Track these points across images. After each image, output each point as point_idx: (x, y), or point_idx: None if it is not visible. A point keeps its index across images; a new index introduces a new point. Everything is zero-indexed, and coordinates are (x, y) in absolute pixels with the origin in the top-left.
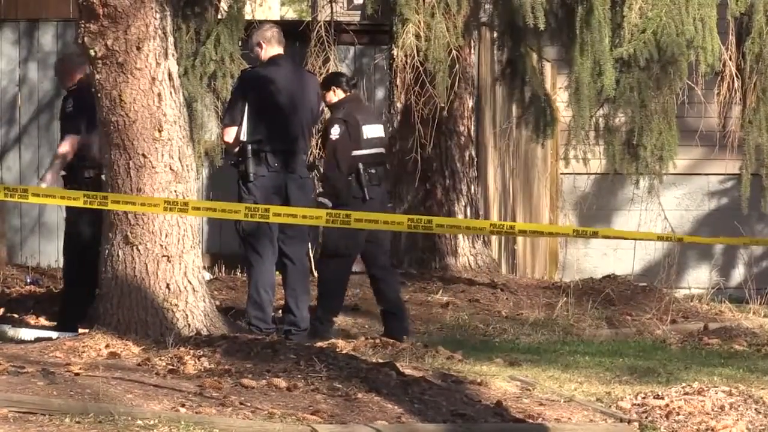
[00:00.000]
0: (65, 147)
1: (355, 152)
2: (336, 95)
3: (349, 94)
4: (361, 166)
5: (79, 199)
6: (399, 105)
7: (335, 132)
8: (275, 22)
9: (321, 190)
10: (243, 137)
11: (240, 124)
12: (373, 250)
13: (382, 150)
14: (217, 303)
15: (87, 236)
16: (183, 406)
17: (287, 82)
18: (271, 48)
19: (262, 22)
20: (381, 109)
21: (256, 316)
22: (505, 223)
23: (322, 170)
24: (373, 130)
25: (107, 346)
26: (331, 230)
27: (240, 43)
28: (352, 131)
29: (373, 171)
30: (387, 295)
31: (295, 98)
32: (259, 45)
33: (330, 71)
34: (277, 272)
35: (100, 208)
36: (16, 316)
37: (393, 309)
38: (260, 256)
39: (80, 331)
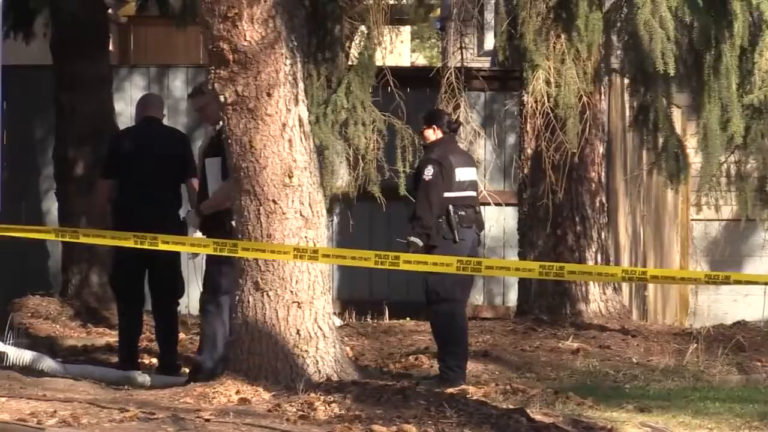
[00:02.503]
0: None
1: (447, 194)
2: (435, 134)
3: (446, 135)
4: (451, 207)
5: (209, 247)
6: (529, 151)
7: (428, 173)
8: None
9: (412, 229)
10: None
11: None
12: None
13: (473, 193)
14: (347, 349)
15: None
16: None
17: None
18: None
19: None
20: (512, 154)
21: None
22: (636, 269)
23: (414, 210)
24: (465, 174)
25: (238, 392)
26: (435, 276)
27: (371, 91)
28: (445, 173)
29: (463, 213)
30: None
31: None
32: None
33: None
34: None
35: (230, 255)
36: (146, 362)
37: None
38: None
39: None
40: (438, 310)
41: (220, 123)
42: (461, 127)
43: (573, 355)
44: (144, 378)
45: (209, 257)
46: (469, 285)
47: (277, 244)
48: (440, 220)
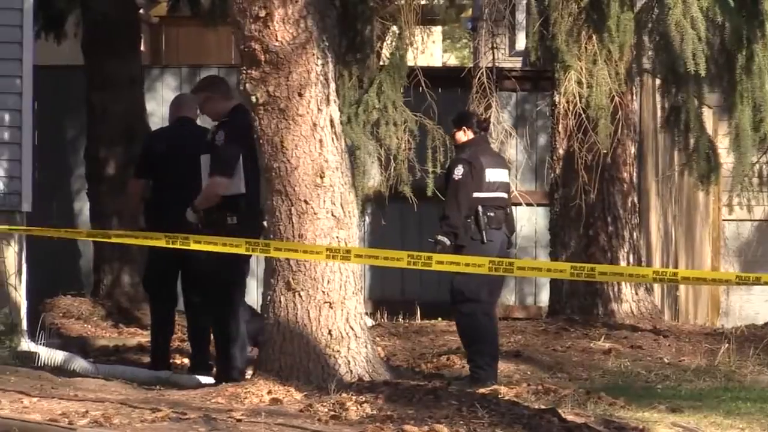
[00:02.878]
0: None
1: (476, 194)
2: (466, 135)
3: (477, 135)
4: (480, 208)
5: (241, 246)
6: (561, 151)
7: (458, 172)
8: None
9: (440, 228)
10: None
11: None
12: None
13: (504, 195)
14: (379, 349)
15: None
16: None
17: None
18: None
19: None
20: (544, 155)
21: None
22: (667, 270)
23: (443, 209)
24: (496, 175)
25: (269, 392)
26: (462, 276)
27: (403, 91)
28: (475, 173)
29: (492, 214)
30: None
31: None
32: None
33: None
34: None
35: (264, 255)
36: (177, 362)
37: None
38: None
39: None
40: (462, 309)
41: (213, 129)
42: (492, 127)
43: (605, 356)
44: (176, 378)
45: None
46: (497, 287)
47: (310, 244)
48: (468, 220)
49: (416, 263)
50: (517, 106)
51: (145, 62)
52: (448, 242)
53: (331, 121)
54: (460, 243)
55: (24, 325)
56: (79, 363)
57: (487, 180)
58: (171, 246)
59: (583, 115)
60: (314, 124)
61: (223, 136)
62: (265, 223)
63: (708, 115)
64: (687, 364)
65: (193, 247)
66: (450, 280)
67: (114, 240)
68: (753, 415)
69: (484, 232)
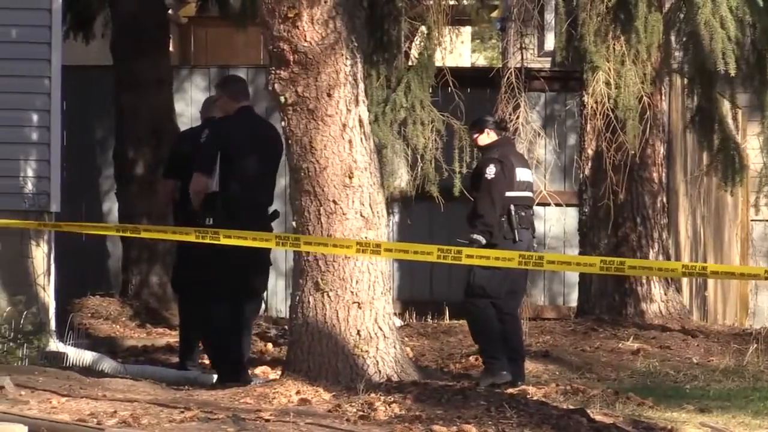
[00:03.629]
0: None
1: (509, 193)
2: (489, 137)
3: (501, 136)
4: (512, 207)
5: (271, 241)
6: (590, 151)
7: (491, 171)
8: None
9: (474, 227)
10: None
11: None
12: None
13: (531, 194)
14: (408, 349)
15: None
16: None
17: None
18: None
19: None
20: (573, 155)
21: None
22: (696, 265)
23: (476, 209)
24: (524, 174)
25: (298, 392)
26: (482, 271)
27: (430, 91)
28: (507, 172)
29: (523, 214)
30: (510, 341)
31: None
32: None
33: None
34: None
35: (294, 249)
36: (206, 362)
37: (513, 354)
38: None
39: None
40: (477, 303)
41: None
42: (521, 127)
43: (633, 356)
44: (205, 378)
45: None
46: (520, 288)
47: (339, 238)
48: (502, 219)
49: (446, 257)
50: (546, 106)
51: (174, 63)
52: (483, 241)
53: (360, 121)
54: (493, 242)
55: (52, 325)
56: (108, 363)
57: (517, 179)
58: (201, 241)
59: (612, 116)
60: (343, 125)
61: (206, 134)
62: (293, 223)
63: (737, 115)
64: (715, 364)
65: (224, 242)
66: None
67: (143, 235)
68: None
69: (516, 231)
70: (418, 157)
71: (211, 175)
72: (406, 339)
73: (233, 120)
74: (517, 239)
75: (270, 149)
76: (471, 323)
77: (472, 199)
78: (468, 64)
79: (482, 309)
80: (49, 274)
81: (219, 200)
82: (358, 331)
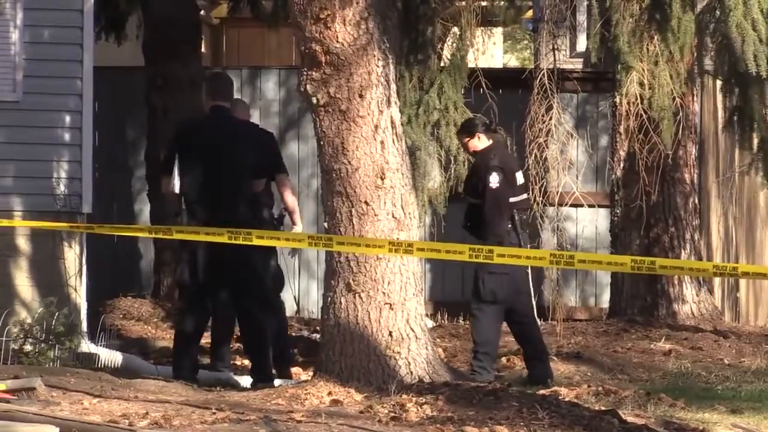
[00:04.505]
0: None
1: (512, 199)
2: (481, 141)
3: (495, 140)
4: (515, 212)
5: (303, 241)
6: (622, 152)
7: (494, 180)
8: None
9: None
10: None
11: None
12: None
13: (527, 196)
14: (440, 350)
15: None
16: None
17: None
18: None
19: None
20: (605, 156)
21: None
22: (727, 265)
23: (484, 219)
24: (521, 177)
25: (329, 393)
26: (490, 277)
27: (463, 92)
28: (509, 179)
29: (524, 217)
30: (533, 342)
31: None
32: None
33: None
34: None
35: (326, 249)
36: (238, 363)
37: (540, 355)
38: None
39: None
40: (485, 309)
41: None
42: (553, 129)
43: (665, 357)
44: (237, 379)
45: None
46: (524, 294)
47: (372, 239)
48: (509, 226)
49: (478, 256)
50: (578, 107)
51: (206, 63)
52: None
53: (392, 122)
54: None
55: (84, 326)
56: (140, 364)
57: (518, 183)
58: (234, 242)
59: (644, 116)
60: (375, 126)
61: (172, 134)
62: (326, 224)
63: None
64: (747, 365)
65: (256, 242)
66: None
67: (176, 236)
68: None
69: (521, 236)
70: (451, 158)
71: (170, 176)
72: (438, 340)
73: (197, 120)
74: (521, 243)
75: (237, 150)
76: (473, 327)
77: (471, 202)
78: (500, 65)
79: (488, 316)
80: (80, 275)
81: (180, 201)
82: (390, 332)
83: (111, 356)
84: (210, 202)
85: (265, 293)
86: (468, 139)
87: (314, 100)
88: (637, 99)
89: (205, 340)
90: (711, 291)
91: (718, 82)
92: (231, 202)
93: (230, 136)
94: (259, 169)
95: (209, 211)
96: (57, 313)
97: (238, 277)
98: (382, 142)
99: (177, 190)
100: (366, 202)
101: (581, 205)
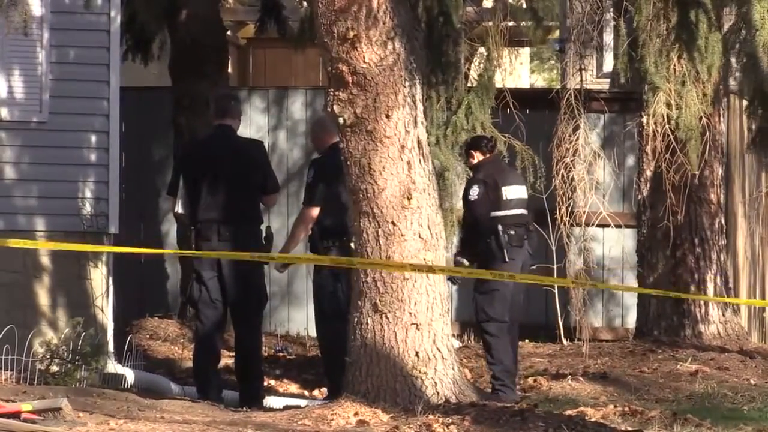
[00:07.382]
0: (298, 219)
1: (495, 213)
2: (475, 158)
3: (489, 156)
4: (500, 227)
5: (325, 260)
6: (648, 173)
7: (474, 193)
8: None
9: (459, 249)
10: None
11: None
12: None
13: (523, 211)
14: (466, 371)
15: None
16: None
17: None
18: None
19: None
20: (632, 176)
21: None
22: None
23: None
24: (514, 192)
25: (356, 413)
26: (483, 297)
27: (491, 112)
28: (491, 192)
29: (512, 232)
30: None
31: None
32: None
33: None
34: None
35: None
36: (265, 384)
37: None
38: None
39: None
40: (489, 329)
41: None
42: (580, 149)
43: (691, 377)
44: (264, 399)
45: None
46: (517, 307)
47: (393, 261)
48: (488, 241)
49: (501, 275)
50: (605, 127)
51: (232, 84)
52: (466, 263)
53: (419, 142)
54: (482, 264)
55: (111, 346)
56: (166, 385)
57: (504, 198)
58: (257, 260)
59: (671, 137)
60: (402, 146)
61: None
62: (352, 245)
63: None
64: None
65: (277, 260)
66: (542, 302)
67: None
68: None
69: (505, 251)
70: None
71: (176, 196)
72: (464, 360)
73: (199, 141)
74: (507, 259)
75: (236, 167)
76: (484, 348)
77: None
78: (527, 86)
79: (491, 335)
80: (107, 296)
81: (185, 220)
82: (417, 353)
83: (137, 376)
84: (212, 219)
85: (259, 311)
86: (467, 157)
87: (341, 120)
88: (663, 119)
89: (231, 360)
90: (737, 311)
91: (744, 102)
92: (231, 219)
93: (231, 154)
94: (261, 186)
95: (212, 230)
96: (83, 334)
97: (237, 294)
98: (408, 163)
99: (181, 209)
100: (393, 223)
101: (608, 225)
